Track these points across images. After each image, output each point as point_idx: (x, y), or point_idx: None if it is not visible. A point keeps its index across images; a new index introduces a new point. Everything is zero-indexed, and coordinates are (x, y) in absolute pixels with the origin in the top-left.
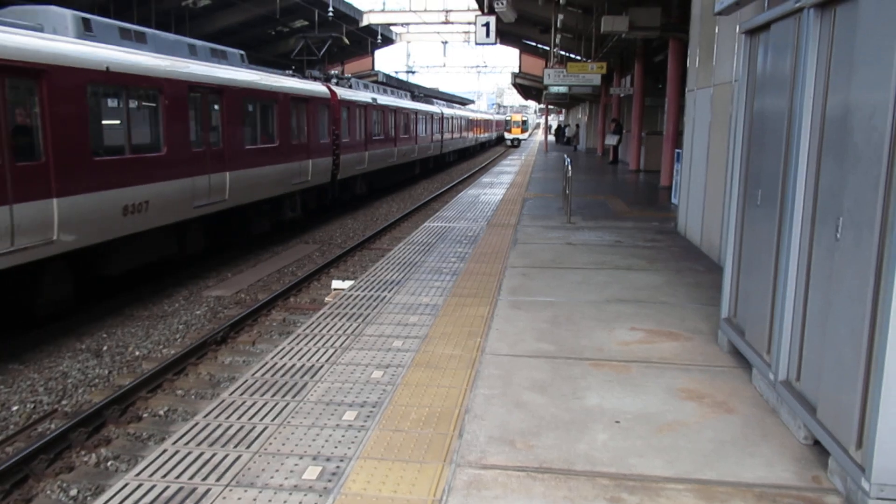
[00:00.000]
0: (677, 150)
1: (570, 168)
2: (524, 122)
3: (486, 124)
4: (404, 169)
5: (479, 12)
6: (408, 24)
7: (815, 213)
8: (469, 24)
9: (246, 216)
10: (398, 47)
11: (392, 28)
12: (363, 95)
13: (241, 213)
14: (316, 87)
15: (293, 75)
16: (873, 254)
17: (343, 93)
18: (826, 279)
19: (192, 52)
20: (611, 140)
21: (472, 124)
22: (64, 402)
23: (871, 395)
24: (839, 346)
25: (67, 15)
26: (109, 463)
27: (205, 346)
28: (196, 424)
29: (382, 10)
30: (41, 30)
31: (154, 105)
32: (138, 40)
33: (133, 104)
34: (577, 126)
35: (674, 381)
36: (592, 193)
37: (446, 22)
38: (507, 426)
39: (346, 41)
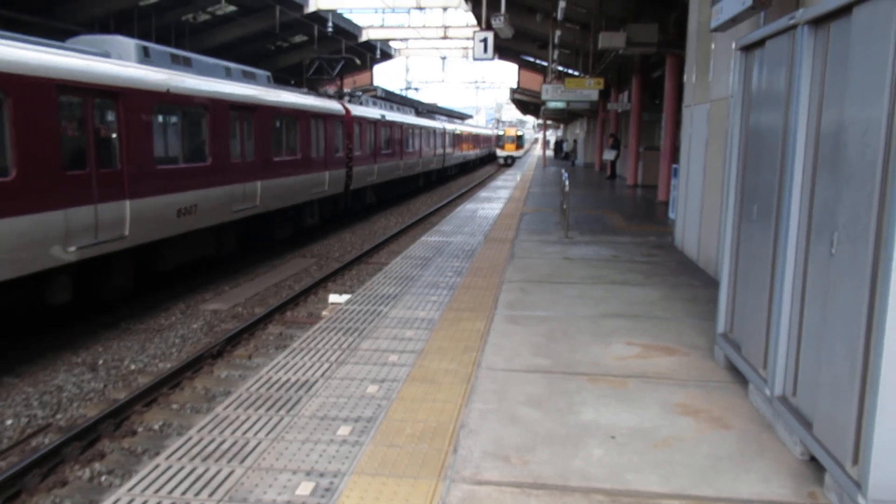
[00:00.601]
0: (674, 166)
1: (567, 183)
2: (519, 138)
3: (487, 140)
4: (409, 181)
5: (478, 28)
6: (407, 39)
7: (810, 228)
8: (467, 39)
9: (272, 222)
10: (397, 62)
11: (391, 43)
12: (373, 112)
13: (268, 219)
14: (332, 105)
15: (308, 93)
16: (868, 269)
17: (355, 110)
18: (821, 294)
19: (228, 74)
20: (608, 155)
21: (475, 139)
22: (59, 416)
23: (866, 410)
24: (835, 362)
25: (131, 44)
26: (103, 478)
27: (201, 360)
28: (189, 439)
29: (381, 26)
30: (108, 56)
31: (201, 121)
32: (185, 64)
33: (185, 121)
34: (575, 141)
35: (670, 397)
36: (590, 208)
37: (445, 37)
38: (502, 441)
39: (358, 62)
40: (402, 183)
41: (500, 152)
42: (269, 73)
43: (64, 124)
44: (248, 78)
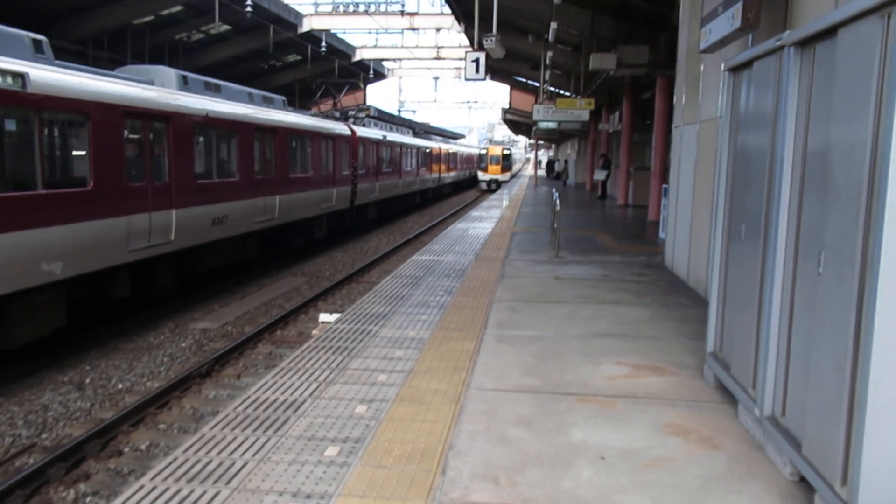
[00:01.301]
0: (664, 186)
1: (558, 202)
2: (506, 157)
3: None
4: (407, 198)
5: (470, 48)
6: (400, 59)
7: (797, 247)
8: (460, 59)
9: (286, 234)
10: (390, 82)
11: (384, 63)
12: (375, 133)
13: (283, 231)
14: (340, 127)
15: (315, 115)
16: (855, 288)
17: (360, 131)
18: (809, 314)
19: (251, 99)
20: (599, 175)
21: (469, 159)
22: (44, 436)
23: (854, 430)
24: (823, 382)
25: (172, 73)
26: (88, 499)
27: (189, 380)
28: (175, 459)
29: (375, 46)
30: (153, 84)
31: (231, 142)
32: (216, 91)
33: (219, 141)
34: (566, 161)
35: (659, 417)
36: (581, 228)
37: (438, 58)
38: (491, 462)
39: (361, 85)
40: (400, 199)
41: (482, 175)
42: (284, 98)
43: (128, 144)
44: (267, 102)
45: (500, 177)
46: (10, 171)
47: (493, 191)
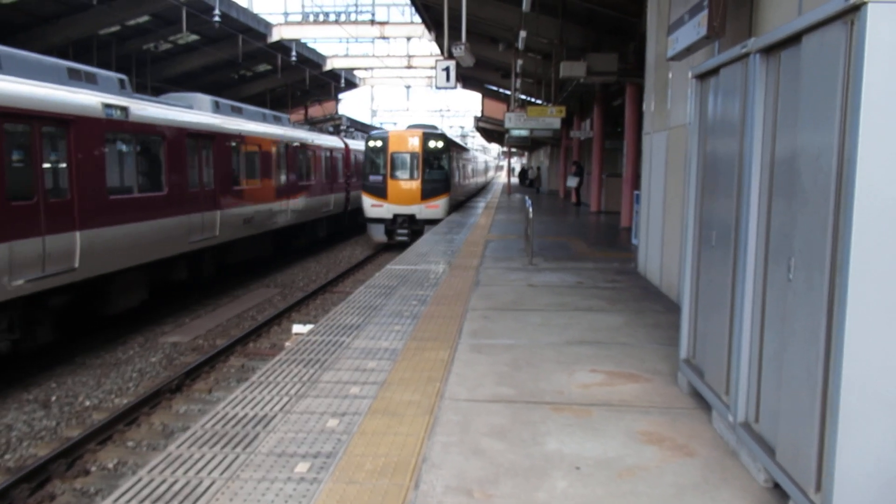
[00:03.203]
0: (636, 192)
1: (531, 210)
2: (437, 156)
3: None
4: None
5: (441, 57)
6: (371, 68)
7: (767, 253)
8: (431, 68)
9: (294, 234)
10: (362, 91)
11: (355, 72)
12: (362, 144)
13: (291, 232)
14: (336, 140)
15: (311, 129)
16: (824, 294)
17: (351, 143)
18: (780, 320)
19: (264, 118)
20: (571, 182)
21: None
22: (7, 457)
23: (827, 437)
24: (795, 388)
25: (207, 99)
26: None
27: (159, 395)
28: (140, 480)
29: (346, 55)
30: (192, 108)
31: (256, 155)
32: (239, 112)
33: (247, 154)
34: (539, 168)
35: (634, 424)
36: (554, 234)
37: (409, 66)
38: (464, 475)
39: (341, 98)
40: None
41: (369, 203)
42: (288, 116)
43: (189, 157)
44: (277, 121)
45: (427, 211)
46: (118, 181)
47: (403, 241)
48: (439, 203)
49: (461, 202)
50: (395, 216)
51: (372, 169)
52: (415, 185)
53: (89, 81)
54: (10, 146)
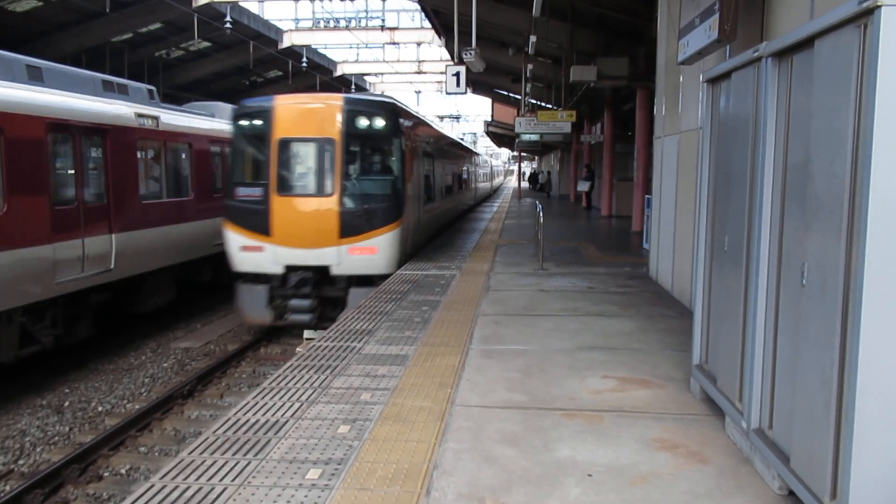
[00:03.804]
0: (647, 196)
1: (541, 214)
2: (380, 156)
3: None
4: None
5: (451, 62)
6: (381, 73)
7: (780, 258)
8: (441, 73)
9: None
10: None
11: (366, 78)
12: None
13: None
14: None
15: None
16: (839, 299)
17: None
18: (794, 325)
19: None
20: (582, 186)
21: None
22: (21, 462)
23: (842, 443)
24: (809, 394)
25: (227, 107)
26: None
27: (171, 401)
28: (151, 487)
29: (356, 61)
30: (213, 116)
31: None
32: None
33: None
34: (549, 173)
35: (647, 431)
36: (565, 239)
37: (419, 72)
38: (476, 482)
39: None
40: None
41: (236, 245)
42: None
43: (211, 164)
44: None
45: (352, 259)
46: (149, 186)
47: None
48: (377, 243)
49: (444, 226)
50: (288, 270)
51: (240, 174)
52: (326, 205)
53: (121, 92)
54: (55, 155)
